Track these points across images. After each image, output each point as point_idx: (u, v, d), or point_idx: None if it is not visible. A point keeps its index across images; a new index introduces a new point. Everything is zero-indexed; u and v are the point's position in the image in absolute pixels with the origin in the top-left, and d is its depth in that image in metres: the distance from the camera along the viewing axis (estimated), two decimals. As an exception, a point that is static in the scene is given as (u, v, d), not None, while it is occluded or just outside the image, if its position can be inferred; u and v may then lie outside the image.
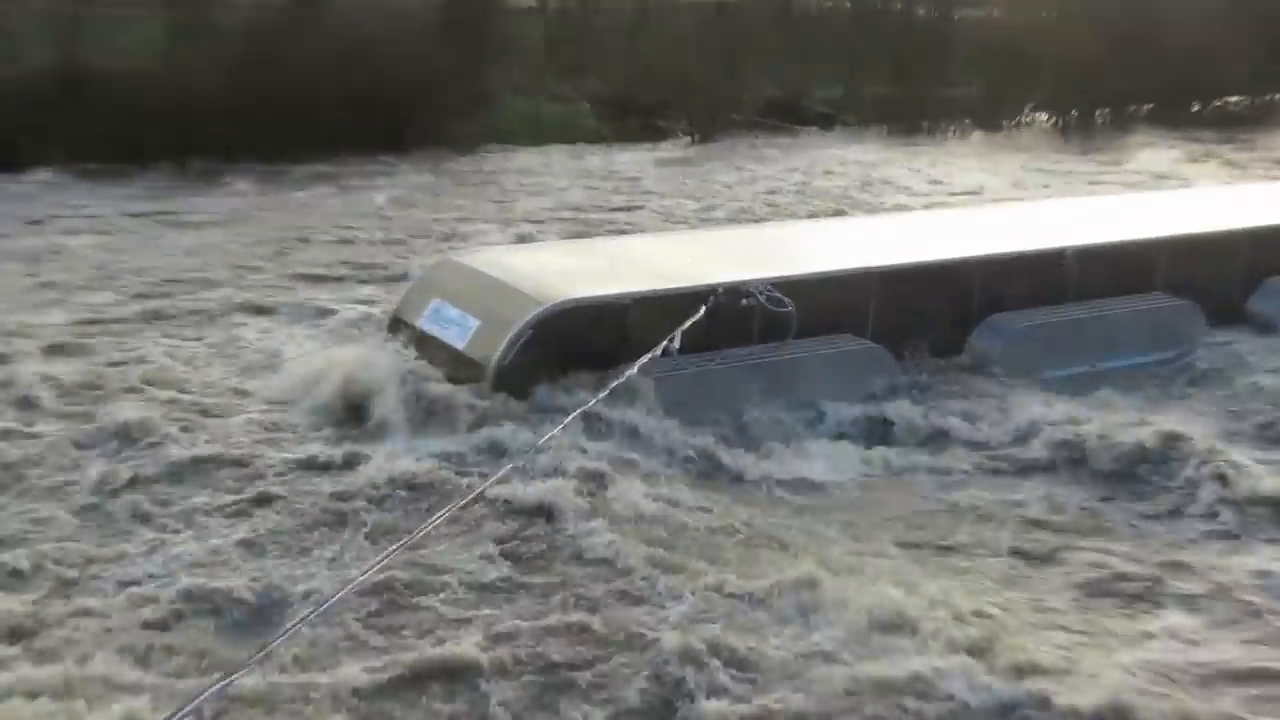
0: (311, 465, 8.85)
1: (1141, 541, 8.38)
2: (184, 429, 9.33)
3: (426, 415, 9.35)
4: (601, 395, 8.67)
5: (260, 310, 12.75)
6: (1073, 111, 34.01)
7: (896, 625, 6.94)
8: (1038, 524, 8.60)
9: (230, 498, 8.38)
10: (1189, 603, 7.61)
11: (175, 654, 6.58)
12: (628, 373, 8.87)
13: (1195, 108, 35.98)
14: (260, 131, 21.87)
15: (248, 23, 24.72)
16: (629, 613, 7.10)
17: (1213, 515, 8.78)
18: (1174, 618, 7.42)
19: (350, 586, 5.49)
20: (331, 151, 22.41)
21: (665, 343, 9.19)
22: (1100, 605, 7.53)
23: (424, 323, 10.22)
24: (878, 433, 9.88)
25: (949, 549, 8.19)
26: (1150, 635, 7.17)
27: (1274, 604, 7.62)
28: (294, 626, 5.66)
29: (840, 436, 9.71)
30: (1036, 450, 9.68)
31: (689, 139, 27.97)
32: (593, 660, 6.68)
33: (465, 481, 8.47)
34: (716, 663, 6.56)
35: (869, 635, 6.88)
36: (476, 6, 29.87)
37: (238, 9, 25.81)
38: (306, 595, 7.08)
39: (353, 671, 6.46)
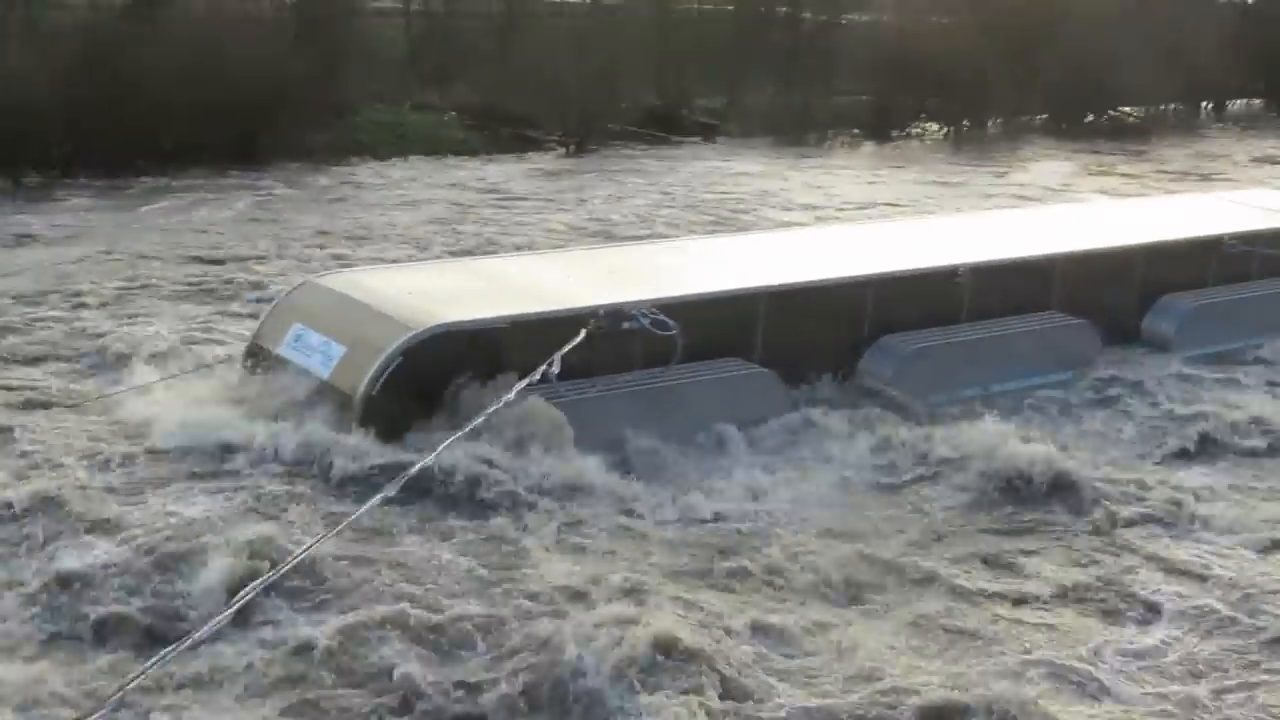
0: (166, 495, 8.81)
1: (1035, 563, 8.68)
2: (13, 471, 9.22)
3: (285, 447, 9.32)
4: (476, 422, 8.75)
5: (98, 336, 12.53)
6: (964, 122, 34.83)
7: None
8: (931, 546, 8.84)
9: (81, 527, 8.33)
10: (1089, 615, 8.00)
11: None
12: (504, 399, 8.98)
13: (1089, 118, 37.07)
14: (99, 144, 21.68)
15: (84, 26, 24.39)
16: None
17: (1102, 534, 9.13)
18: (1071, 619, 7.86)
19: (234, 607, 5.91)
20: (177, 164, 22.29)
21: (543, 368, 9.29)
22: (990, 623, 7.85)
23: (284, 350, 10.14)
24: (771, 461, 10.02)
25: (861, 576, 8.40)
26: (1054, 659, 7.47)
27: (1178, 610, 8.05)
28: (171, 651, 5.76)
29: (730, 466, 9.84)
30: (931, 475, 9.90)
31: (563, 150, 28.11)
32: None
33: (335, 510, 8.48)
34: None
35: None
36: (333, 8, 29.74)
37: (73, 9, 25.49)
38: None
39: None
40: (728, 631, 7.41)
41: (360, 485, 8.88)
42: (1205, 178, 27.49)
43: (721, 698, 6.76)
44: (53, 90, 21.42)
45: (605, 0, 36.04)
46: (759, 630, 7.51)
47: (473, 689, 6.78)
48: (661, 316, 10.23)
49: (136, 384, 10.56)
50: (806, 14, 36.65)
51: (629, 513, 9.00)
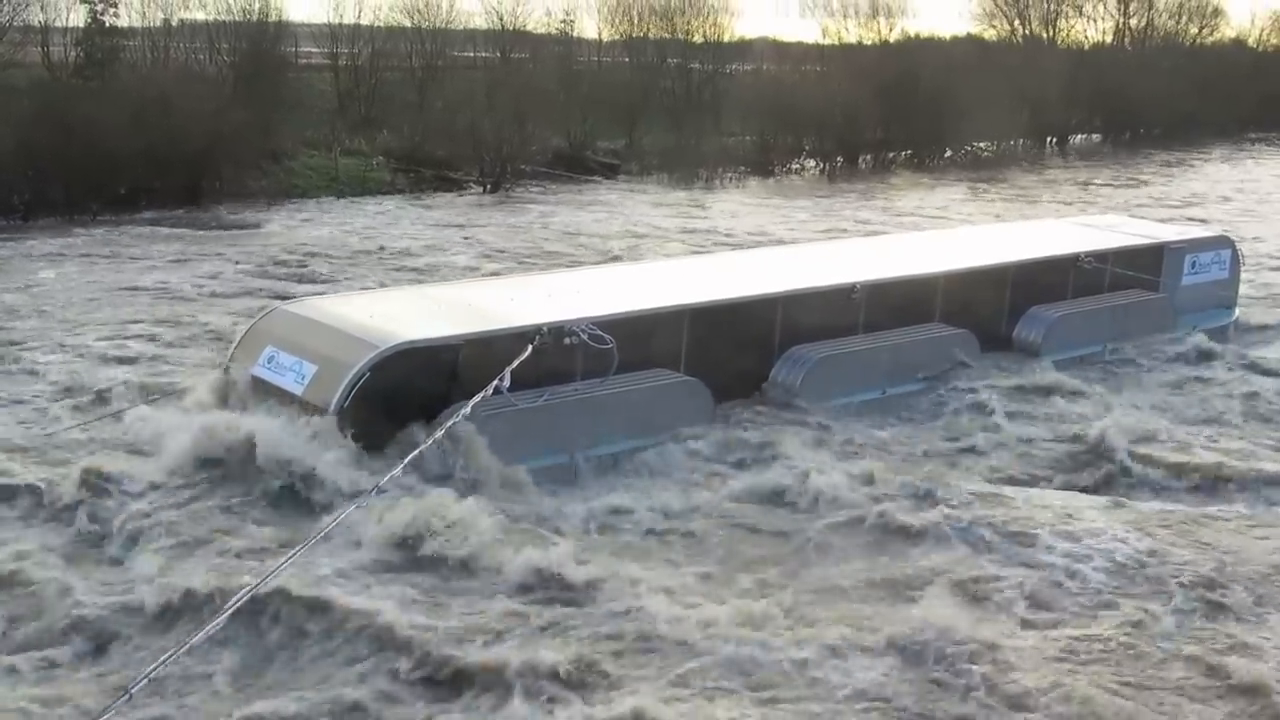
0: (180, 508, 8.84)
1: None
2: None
3: (271, 460, 9.31)
4: (438, 435, 8.83)
5: (87, 359, 12.48)
6: (838, 158, 35.33)
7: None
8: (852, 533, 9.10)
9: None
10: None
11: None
12: (462, 411, 9.05)
13: (947, 153, 37.80)
14: (58, 191, 21.58)
15: (38, 83, 24.13)
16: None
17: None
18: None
19: (226, 612, 5.89)
20: (130, 208, 22.17)
21: (496, 381, 9.39)
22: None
23: (259, 370, 10.11)
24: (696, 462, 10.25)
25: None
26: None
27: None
28: (175, 652, 5.77)
29: (667, 466, 10.05)
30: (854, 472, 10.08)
31: (481, 189, 28.19)
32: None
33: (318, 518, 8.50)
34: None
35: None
36: (268, 64, 29.66)
37: (27, 68, 25.20)
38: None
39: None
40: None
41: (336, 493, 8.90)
42: (1051, 201, 28.19)
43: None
44: (12, 143, 21.18)
45: (514, 54, 36.20)
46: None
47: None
48: (599, 331, 10.35)
49: (121, 406, 10.50)
50: (695, 64, 36.99)
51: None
